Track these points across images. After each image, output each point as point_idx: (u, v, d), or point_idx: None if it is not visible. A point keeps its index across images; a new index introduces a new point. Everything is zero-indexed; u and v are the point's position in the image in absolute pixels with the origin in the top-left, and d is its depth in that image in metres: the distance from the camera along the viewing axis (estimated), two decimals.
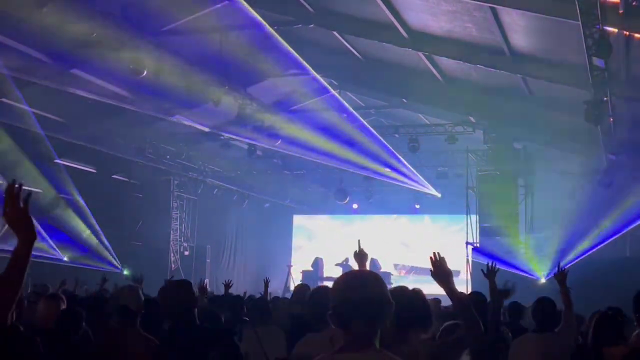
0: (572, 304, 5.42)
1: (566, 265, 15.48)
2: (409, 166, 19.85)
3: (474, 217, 18.14)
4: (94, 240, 17.14)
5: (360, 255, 4.54)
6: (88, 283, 10.55)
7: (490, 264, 5.13)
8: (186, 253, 21.98)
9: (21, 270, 2.44)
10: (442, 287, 3.40)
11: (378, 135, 18.67)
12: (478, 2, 10.56)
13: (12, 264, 2.47)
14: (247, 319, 6.38)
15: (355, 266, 4.52)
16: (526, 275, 15.94)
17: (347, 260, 21.57)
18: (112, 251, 17.39)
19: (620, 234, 15.57)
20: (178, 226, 22.00)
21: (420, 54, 13.73)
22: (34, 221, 2.50)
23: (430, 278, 3.40)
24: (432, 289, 4.21)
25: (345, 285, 2.48)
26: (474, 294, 5.79)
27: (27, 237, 2.44)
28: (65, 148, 16.08)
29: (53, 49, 13.08)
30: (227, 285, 8.13)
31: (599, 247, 15.65)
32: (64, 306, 5.55)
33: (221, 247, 24.52)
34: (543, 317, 5.30)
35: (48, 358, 4.12)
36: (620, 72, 11.30)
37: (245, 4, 12.21)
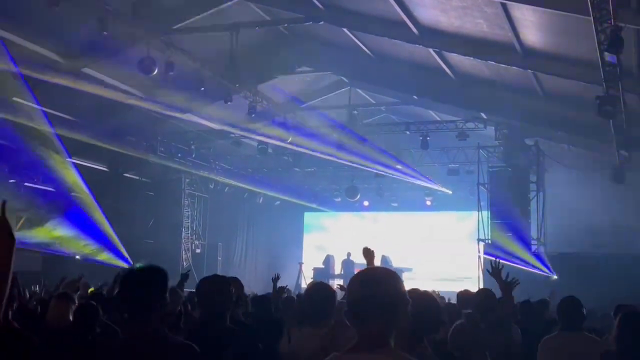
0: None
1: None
2: (420, 163, 19.81)
3: (485, 214, 18.07)
4: (105, 239, 17.20)
5: (368, 253, 4.55)
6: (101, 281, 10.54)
7: (493, 263, 4.99)
8: (198, 251, 22.05)
9: (3, 275, 2.37)
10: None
11: (389, 132, 18.66)
12: None
13: None
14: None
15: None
16: (538, 271, 15.90)
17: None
18: (123, 249, 17.44)
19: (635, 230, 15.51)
20: (189, 224, 22.07)
21: (430, 50, 13.69)
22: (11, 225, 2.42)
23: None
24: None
25: (360, 282, 2.44)
26: (483, 290, 5.74)
27: (6, 243, 2.38)
28: (77, 147, 16.15)
29: (64, 47, 13.18)
30: None
31: (612, 243, 15.58)
32: (74, 305, 5.54)
33: (232, 244, 24.58)
34: (570, 315, 5.15)
35: (63, 357, 4.10)
36: (632, 68, 11.22)
37: (256, 1, 12.24)
